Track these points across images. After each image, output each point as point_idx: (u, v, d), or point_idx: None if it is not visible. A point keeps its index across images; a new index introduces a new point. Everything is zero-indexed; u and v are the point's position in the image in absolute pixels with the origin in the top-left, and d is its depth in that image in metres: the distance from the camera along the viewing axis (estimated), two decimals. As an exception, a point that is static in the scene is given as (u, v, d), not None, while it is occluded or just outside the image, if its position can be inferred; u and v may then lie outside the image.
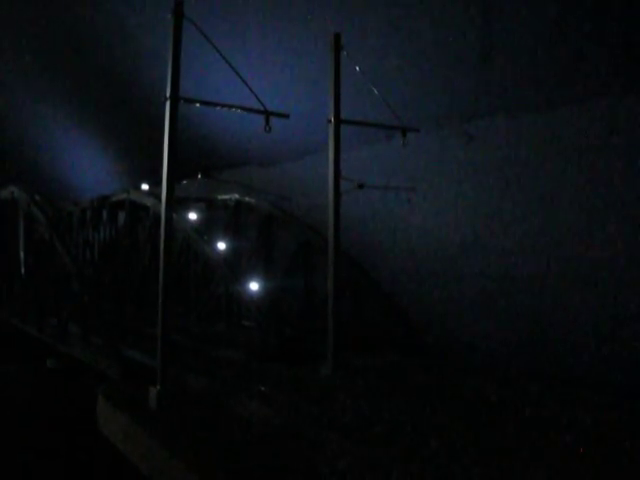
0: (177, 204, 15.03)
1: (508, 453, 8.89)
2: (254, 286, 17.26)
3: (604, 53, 15.13)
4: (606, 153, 15.38)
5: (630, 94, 15.01)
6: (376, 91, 14.20)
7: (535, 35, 16.14)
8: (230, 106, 13.04)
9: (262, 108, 12.75)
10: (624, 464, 8.57)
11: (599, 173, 15.43)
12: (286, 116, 13.12)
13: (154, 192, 22.76)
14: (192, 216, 20.90)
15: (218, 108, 13.32)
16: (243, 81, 12.60)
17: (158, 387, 11.75)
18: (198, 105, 12.73)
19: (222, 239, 19.99)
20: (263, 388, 12.28)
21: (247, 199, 22.59)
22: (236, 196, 22.92)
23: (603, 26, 14.91)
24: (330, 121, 13.99)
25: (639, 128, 14.92)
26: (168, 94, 11.81)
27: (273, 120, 12.85)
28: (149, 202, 21.20)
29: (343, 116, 14.03)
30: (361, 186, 14.75)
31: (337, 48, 14.03)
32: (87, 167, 38.99)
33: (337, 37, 14.12)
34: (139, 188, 26.95)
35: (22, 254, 23.68)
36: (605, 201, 15.24)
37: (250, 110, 12.84)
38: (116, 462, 11.88)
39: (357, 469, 8.50)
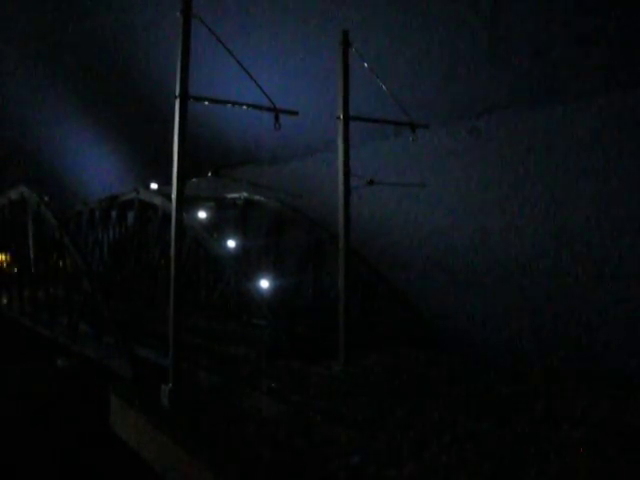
0: (186, 203, 15.04)
1: (517, 447, 8.91)
2: (264, 284, 17.28)
3: (610, 50, 15.10)
4: (615, 147, 15.33)
5: (636, 89, 14.97)
6: (385, 87, 14.18)
7: (542, 33, 16.12)
8: (239, 104, 13.05)
9: (271, 106, 12.77)
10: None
11: (609, 167, 15.38)
12: (295, 113, 13.13)
13: (163, 191, 22.78)
14: (202, 215, 20.92)
15: (227, 106, 13.33)
16: (252, 79, 12.61)
17: (170, 385, 11.80)
18: (207, 103, 12.72)
19: (232, 237, 20.02)
20: (275, 385, 12.30)
21: (256, 197, 22.60)
22: (245, 194, 22.93)
23: (609, 23, 14.89)
24: (339, 118, 14.00)
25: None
26: (177, 92, 11.84)
27: (282, 118, 12.86)
28: (158, 201, 21.20)
29: (352, 113, 14.03)
30: (371, 183, 14.73)
31: (345, 45, 14.03)
32: (96, 166, 39.10)
33: (345, 34, 14.11)
34: (148, 187, 27.01)
35: (32, 254, 23.72)
36: (616, 195, 15.19)
37: (259, 107, 12.85)
38: (128, 459, 11.94)
39: (369, 464, 8.52)
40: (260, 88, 12.64)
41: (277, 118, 12.77)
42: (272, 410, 11.10)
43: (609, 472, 8.12)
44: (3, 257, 28.51)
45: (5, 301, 25.93)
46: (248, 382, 12.78)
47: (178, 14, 11.92)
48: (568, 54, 15.95)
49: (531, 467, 8.19)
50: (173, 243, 12.03)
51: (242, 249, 20.13)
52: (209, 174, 17.58)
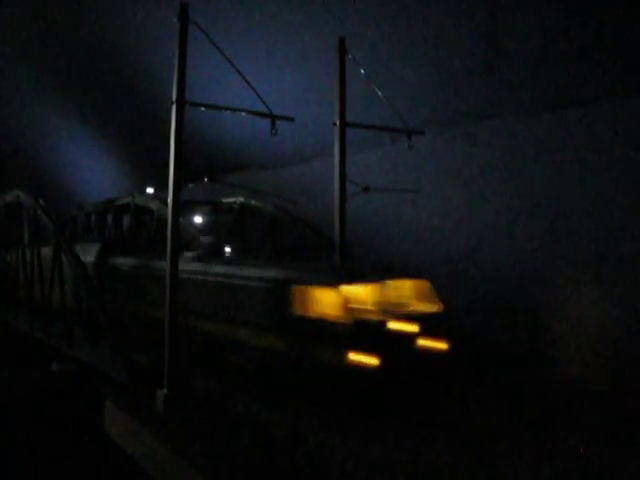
0: (182, 207, 14.99)
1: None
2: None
3: (604, 58, 15.19)
4: (608, 153, 15.42)
5: (631, 96, 15.08)
6: (381, 94, 14.24)
7: (538, 40, 16.20)
8: (236, 109, 13.09)
9: (268, 112, 12.81)
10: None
11: (602, 173, 15.46)
12: (291, 119, 13.17)
13: (159, 196, 22.79)
14: (197, 219, 20.93)
15: (224, 112, 13.35)
16: (249, 85, 12.65)
17: (165, 390, 11.79)
18: (204, 109, 12.74)
19: (227, 242, 20.00)
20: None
21: (252, 202, 22.60)
22: (241, 199, 22.92)
23: (604, 31, 14.97)
24: (335, 124, 14.05)
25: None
26: (174, 98, 11.86)
27: (279, 124, 12.90)
28: (154, 206, 21.21)
29: (348, 119, 14.09)
30: (367, 189, 14.78)
31: (342, 51, 14.11)
32: (92, 171, 39.11)
33: (342, 41, 14.19)
34: (144, 192, 27.02)
35: (28, 258, 23.64)
36: (609, 200, 15.26)
37: (256, 113, 12.89)
38: (122, 463, 11.93)
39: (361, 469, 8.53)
40: (257, 94, 12.68)
41: (273, 124, 12.82)
42: (267, 416, 11.09)
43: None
44: None
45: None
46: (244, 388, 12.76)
47: (175, 20, 11.94)
48: (563, 63, 16.03)
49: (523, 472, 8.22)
50: (169, 247, 12.03)
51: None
52: (205, 179, 17.58)
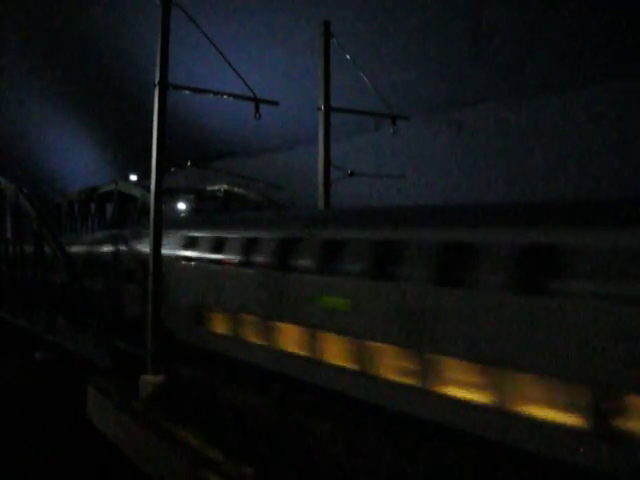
0: (166, 195, 14.78)
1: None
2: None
3: (589, 44, 15.21)
4: (589, 138, 15.48)
5: (609, 83, 15.15)
6: (366, 79, 14.16)
7: (523, 25, 16.18)
8: (219, 93, 12.97)
9: (252, 95, 12.69)
10: None
11: (584, 157, 15.51)
12: (276, 103, 13.06)
13: (142, 183, 22.63)
14: (181, 207, 20.82)
15: (209, 96, 13.25)
16: (232, 68, 12.51)
17: (149, 376, 11.69)
18: (187, 92, 12.62)
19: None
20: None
21: (237, 189, 22.46)
22: (225, 187, 22.77)
23: (590, 18, 14.98)
24: (320, 109, 13.96)
25: (619, 115, 15.06)
26: (157, 81, 11.70)
27: (263, 110, 12.76)
28: (138, 193, 21.05)
29: (333, 104, 14.00)
30: (351, 174, 14.73)
31: (327, 35, 13.99)
32: (74, 158, 38.80)
33: (326, 24, 14.07)
34: (128, 178, 26.84)
35: (10, 246, 23.35)
36: (592, 186, 15.30)
37: (240, 97, 12.76)
38: (105, 449, 11.84)
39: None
40: (240, 77, 12.56)
41: (257, 108, 12.69)
42: (252, 401, 11.03)
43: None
44: None
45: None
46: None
47: (158, 2, 11.79)
48: (546, 49, 16.04)
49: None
50: (152, 235, 11.91)
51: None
52: (188, 164, 17.43)
